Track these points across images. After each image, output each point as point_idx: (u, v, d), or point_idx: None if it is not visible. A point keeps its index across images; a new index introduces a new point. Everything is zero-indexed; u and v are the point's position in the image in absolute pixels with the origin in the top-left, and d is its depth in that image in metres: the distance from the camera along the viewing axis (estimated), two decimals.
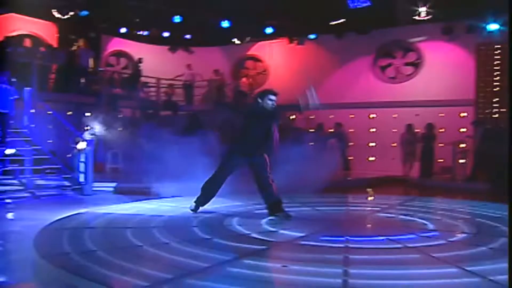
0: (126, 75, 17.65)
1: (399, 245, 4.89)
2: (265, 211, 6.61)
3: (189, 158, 9.16)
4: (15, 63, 13.17)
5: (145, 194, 9.59)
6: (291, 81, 17.83)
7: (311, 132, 15.87)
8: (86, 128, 14.27)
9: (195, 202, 6.97)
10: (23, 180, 10.03)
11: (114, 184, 10.91)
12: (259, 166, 6.54)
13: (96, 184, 10.67)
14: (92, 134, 11.11)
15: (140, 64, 17.31)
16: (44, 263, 4.32)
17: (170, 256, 4.45)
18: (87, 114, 15.26)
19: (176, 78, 18.05)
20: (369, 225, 6.26)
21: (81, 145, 11.51)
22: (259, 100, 6.56)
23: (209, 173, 6.93)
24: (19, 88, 11.62)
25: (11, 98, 10.32)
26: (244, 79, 18.29)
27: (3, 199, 9.21)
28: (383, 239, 5.18)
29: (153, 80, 17.67)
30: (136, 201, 8.71)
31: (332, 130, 16.01)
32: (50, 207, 8.26)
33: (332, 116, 16.44)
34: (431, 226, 5.95)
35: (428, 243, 4.97)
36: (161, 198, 8.66)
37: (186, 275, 3.81)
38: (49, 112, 15.40)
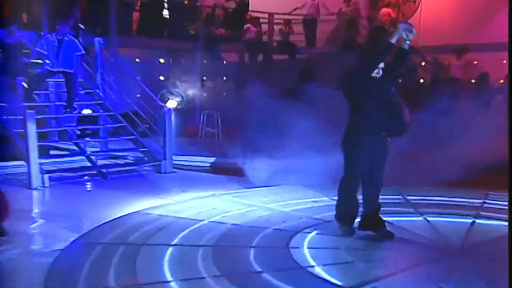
0: (230, 10, 17.71)
1: None
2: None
3: (297, 129, 9.05)
4: (86, 2, 13.70)
5: (235, 174, 9.77)
6: (449, 12, 16.90)
7: (471, 84, 14.92)
8: (181, 79, 14.74)
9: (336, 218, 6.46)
10: (92, 157, 10.58)
11: (198, 159, 11.23)
12: (379, 154, 6.11)
13: (178, 158, 11.09)
14: (171, 94, 11.37)
15: None
16: None
17: None
18: (182, 62, 15.72)
19: (295, 12, 17.80)
20: (484, 262, 5.56)
21: (170, 104, 11.93)
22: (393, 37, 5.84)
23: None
24: (89, 34, 12.09)
25: (77, 54, 10.72)
26: (385, 10, 17.47)
27: (67, 178, 9.90)
28: None
29: (265, 15, 17.57)
30: (216, 185, 9.10)
31: (502, 82, 14.90)
32: (112, 194, 8.70)
33: (505, 61, 15.25)
34: None
35: None
36: (248, 187, 8.78)
37: None
38: (137, 60, 16.09)
